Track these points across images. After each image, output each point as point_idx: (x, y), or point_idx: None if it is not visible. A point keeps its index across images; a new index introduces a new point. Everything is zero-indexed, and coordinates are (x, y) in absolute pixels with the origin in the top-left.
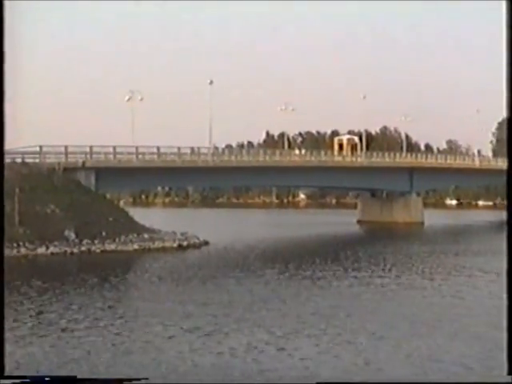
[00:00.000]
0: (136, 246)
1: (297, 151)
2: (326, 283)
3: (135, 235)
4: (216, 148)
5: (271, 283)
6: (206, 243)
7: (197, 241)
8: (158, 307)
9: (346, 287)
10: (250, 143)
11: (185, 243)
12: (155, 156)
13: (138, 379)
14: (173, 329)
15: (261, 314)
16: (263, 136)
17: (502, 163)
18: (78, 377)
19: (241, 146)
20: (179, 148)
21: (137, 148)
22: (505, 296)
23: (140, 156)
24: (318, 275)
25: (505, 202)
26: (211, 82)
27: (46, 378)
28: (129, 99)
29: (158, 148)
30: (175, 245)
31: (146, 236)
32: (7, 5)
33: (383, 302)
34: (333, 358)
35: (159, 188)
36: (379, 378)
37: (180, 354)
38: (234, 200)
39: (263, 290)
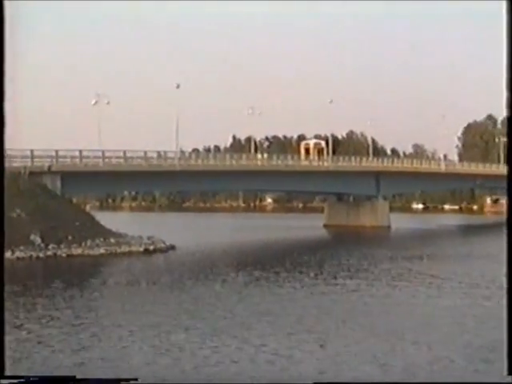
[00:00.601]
0: (102, 251)
1: (259, 155)
2: (288, 288)
3: (101, 239)
4: (183, 152)
5: (235, 288)
6: (173, 247)
7: (163, 245)
8: (118, 311)
9: (305, 292)
10: (216, 147)
11: (151, 247)
12: (122, 160)
13: (137, 379)
14: (119, 330)
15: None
16: (230, 140)
17: (468, 167)
18: (78, 377)
19: (207, 150)
20: (146, 152)
21: (103, 152)
22: (505, 296)
23: (106, 160)
24: (280, 279)
25: (470, 206)
26: (178, 86)
27: (45, 378)
28: (95, 103)
29: (125, 152)
30: (142, 249)
31: (112, 240)
32: (7, 5)
33: (333, 306)
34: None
35: (126, 192)
36: (378, 378)
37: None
38: (201, 204)
39: (226, 295)
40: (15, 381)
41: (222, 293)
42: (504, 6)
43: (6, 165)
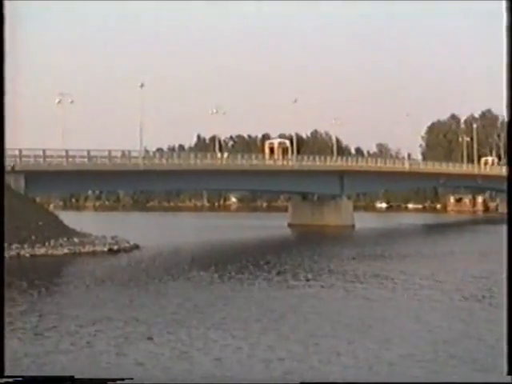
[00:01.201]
0: (66, 250)
1: (218, 154)
2: (249, 287)
3: (65, 239)
4: (147, 151)
5: (198, 287)
6: (137, 247)
7: (127, 245)
8: (79, 311)
9: (263, 291)
10: (181, 146)
11: (115, 247)
12: (86, 159)
13: (133, 379)
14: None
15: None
16: (194, 139)
17: (431, 167)
18: (76, 377)
19: (172, 149)
20: (110, 151)
21: (67, 151)
22: (505, 296)
23: (70, 159)
24: (243, 278)
25: (434, 205)
26: (142, 85)
27: (45, 378)
28: (59, 102)
29: (89, 151)
30: (106, 249)
31: (76, 240)
32: (7, 5)
33: (293, 306)
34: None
35: (90, 191)
36: (377, 379)
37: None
38: (165, 203)
39: (188, 294)
40: (15, 380)
41: (179, 291)
42: (504, 5)
43: None
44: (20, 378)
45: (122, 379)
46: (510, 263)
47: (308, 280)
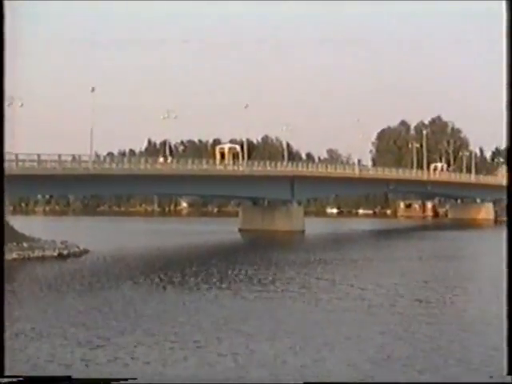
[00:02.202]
0: (15, 255)
1: (161, 159)
2: (194, 292)
3: (14, 244)
4: (97, 156)
5: (143, 293)
6: (87, 252)
7: (77, 249)
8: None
9: (208, 296)
10: (131, 151)
11: (65, 252)
12: (35, 163)
13: (134, 379)
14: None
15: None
16: (145, 144)
17: (381, 172)
18: (73, 377)
19: (122, 153)
20: (60, 155)
21: (16, 155)
22: (505, 296)
23: (20, 163)
24: (187, 284)
25: (384, 211)
26: (93, 89)
27: (45, 378)
28: (9, 105)
29: (39, 155)
30: (55, 253)
31: (25, 245)
32: (7, 5)
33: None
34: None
35: (39, 196)
36: (377, 379)
37: None
38: (116, 208)
39: (133, 299)
40: (15, 380)
41: (123, 297)
42: (504, 5)
43: None
44: (20, 378)
45: (122, 379)
46: (510, 263)
47: (248, 286)
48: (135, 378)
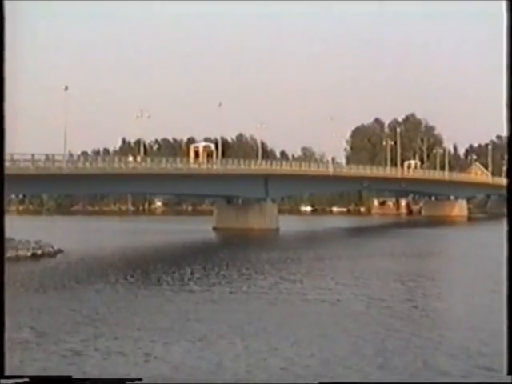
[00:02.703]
0: None
1: (130, 158)
2: (168, 292)
3: None
4: (71, 155)
5: (116, 292)
6: (61, 251)
7: (51, 249)
8: None
9: (183, 295)
10: (105, 150)
11: (39, 252)
12: (8, 163)
13: (133, 379)
14: None
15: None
16: (119, 143)
17: (355, 170)
18: (74, 377)
19: (96, 152)
20: (33, 155)
21: None
22: (505, 296)
23: None
24: (161, 283)
25: (358, 208)
26: (66, 88)
27: (45, 379)
28: None
29: (12, 155)
30: (29, 253)
31: None
32: (7, 5)
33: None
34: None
35: (13, 195)
36: (379, 379)
37: None
38: (90, 207)
39: (104, 300)
40: (15, 381)
41: (96, 297)
42: (504, 5)
43: None
44: (19, 379)
45: (124, 379)
46: (510, 264)
47: (217, 284)
48: (140, 379)
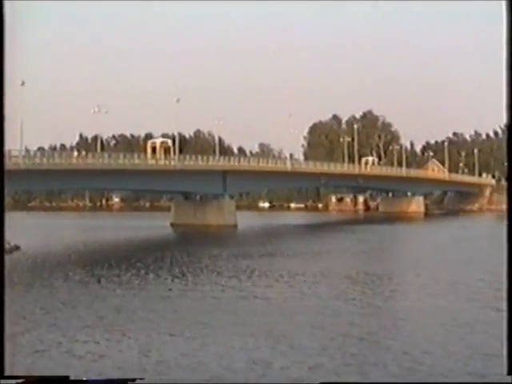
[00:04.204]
0: None
1: (75, 153)
2: (123, 287)
3: None
4: (28, 151)
5: (72, 288)
6: (17, 248)
7: (7, 246)
8: None
9: (132, 291)
10: (62, 146)
11: None
12: None
13: (133, 379)
14: None
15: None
16: (77, 138)
17: (313, 166)
18: (71, 378)
19: (53, 148)
20: None
21: None
22: (505, 295)
23: None
24: (115, 279)
25: (316, 205)
26: (23, 83)
27: (45, 379)
28: None
29: None
30: None
31: None
32: (7, 5)
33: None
34: None
35: None
36: (379, 379)
37: None
38: (47, 203)
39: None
40: (14, 381)
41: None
42: (504, 5)
43: None
44: (19, 380)
45: (123, 380)
46: (509, 264)
47: (170, 280)
48: (136, 379)
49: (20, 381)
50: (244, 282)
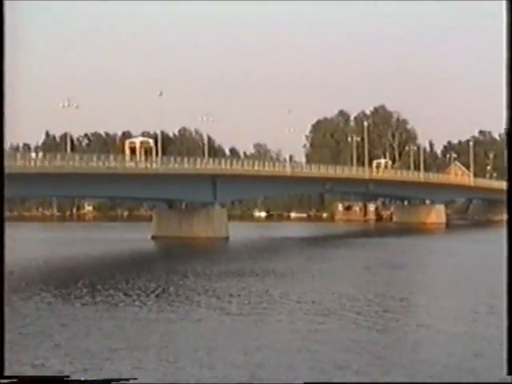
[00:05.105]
0: None
1: (33, 155)
2: (87, 310)
3: None
4: None
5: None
6: None
7: None
8: None
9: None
10: (26, 145)
11: None
12: None
13: (133, 379)
14: None
15: None
16: (43, 137)
17: (317, 170)
18: (72, 378)
19: (15, 148)
20: None
21: None
22: (505, 295)
23: None
24: (75, 302)
25: (320, 214)
26: None
27: (45, 379)
28: None
29: None
30: None
31: None
32: (7, 5)
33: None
34: None
35: None
36: (379, 379)
37: None
38: (7, 213)
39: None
40: (14, 380)
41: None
42: (504, 5)
43: None
44: (19, 379)
45: (121, 379)
46: (510, 265)
47: (138, 305)
48: (135, 378)
49: (20, 380)
50: (220, 312)
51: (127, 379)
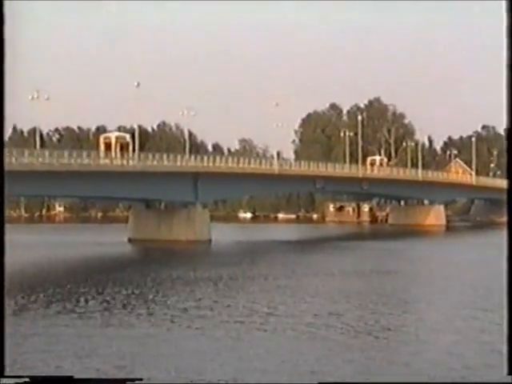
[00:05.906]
0: None
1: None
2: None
3: None
4: None
5: None
6: None
7: None
8: None
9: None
10: None
11: None
12: None
13: (133, 379)
14: None
15: None
16: (9, 132)
17: (306, 168)
18: (75, 377)
19: None
20: None
21: None
22: (505, 295)
23: None
24: (52, 311)
25: (309, 215)
26: None
27: (45, 379)
28: None
29: None
30: None
31: None
32: (7, 5)
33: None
34: None
35: None
36: (379, 379)
37: None
38: None
39: None
40: (15, 381)
41: None
42: (504, 6)
43: None
44: (20, 379)
45: (125, 379)
46: (510, 266)
47: (99, 314)
48: (140, 379)
49: (20, 380)
50: (186, 325)
51: (132, 379)
